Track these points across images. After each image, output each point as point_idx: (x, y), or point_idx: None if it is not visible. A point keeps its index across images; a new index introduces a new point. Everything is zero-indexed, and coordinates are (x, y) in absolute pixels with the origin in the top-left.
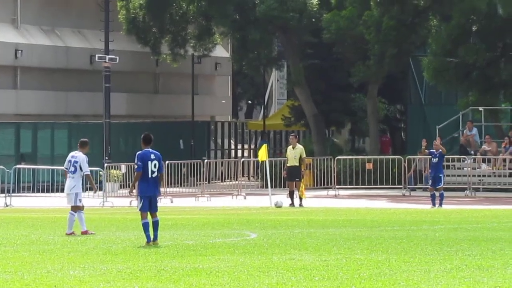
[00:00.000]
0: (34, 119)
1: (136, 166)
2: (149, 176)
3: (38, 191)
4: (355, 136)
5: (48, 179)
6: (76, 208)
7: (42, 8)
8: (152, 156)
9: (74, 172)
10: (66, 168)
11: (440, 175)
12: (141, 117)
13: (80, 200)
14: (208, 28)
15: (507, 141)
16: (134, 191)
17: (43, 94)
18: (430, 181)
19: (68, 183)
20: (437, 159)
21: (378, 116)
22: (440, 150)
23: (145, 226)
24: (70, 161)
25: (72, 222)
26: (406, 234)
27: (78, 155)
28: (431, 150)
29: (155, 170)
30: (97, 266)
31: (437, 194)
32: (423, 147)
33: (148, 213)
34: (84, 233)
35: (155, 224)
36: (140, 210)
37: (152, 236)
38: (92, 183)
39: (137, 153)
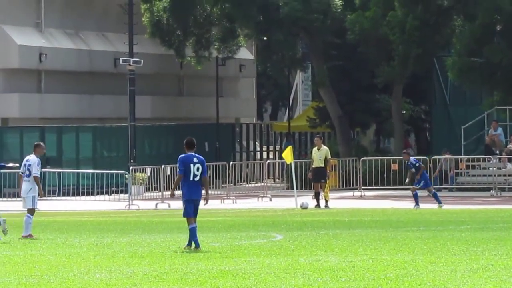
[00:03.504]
0: (58, 123)
1: (178, 170)
2: (191, 179)
3: (63, 195)
4: (380, 136)
5: (73, 182)
6: (32, 212)
7: (66, 11)
8: (195, 160)
9: (29, 175)
10: (22, 172)
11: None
12: (166, 119)
13: (36, 203)
14: (232, 30)
15: None
16: (176, 192)
17: (68, 97)
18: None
19: (24, 186)
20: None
21: (402, 116)
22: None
23: (193, 232)
24: (25, 164)
25: (28, 224)
26: (432, 235)
27: (31, 158)
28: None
29: (198, 173)
30: (123, 269)
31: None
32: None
33: None
34: (26, 237)
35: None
36: (184, 216)
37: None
38: (39, 186)
39: (179, 156)
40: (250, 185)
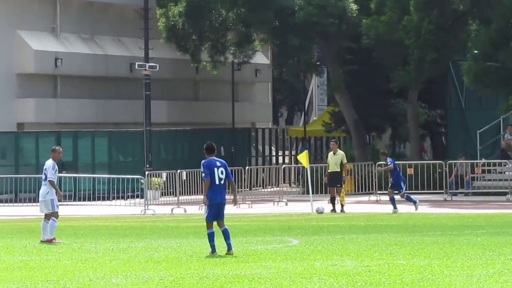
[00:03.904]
0: (74, 128)
1: (203, 174)
2: (217, 183)
3: (79, 200)
4: (396, 141)
5: (89, 187)
6: (56, 215)
7: (81, 16)
8: (218, 163)
9: (45, 179)
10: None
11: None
12: (181, 124)
13: (57, 206)
14: (247, 35)
15: None
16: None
17: (83, 102)
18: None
19: (41, 190)
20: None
21: (418, 121)
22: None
23: (211, 236)
24: (43, 169)
25: (53, 227)
26: (448, 239)
27: (47, 163)
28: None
29: (222, 176)
30: (139, 274)
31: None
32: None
33: (215, 223)
34: (50, 240)
35: (225, 233)
36: (206, 219)
37: (216, 247)
38: (56, 189)
39: (202, 161)
40: (265, 190)
